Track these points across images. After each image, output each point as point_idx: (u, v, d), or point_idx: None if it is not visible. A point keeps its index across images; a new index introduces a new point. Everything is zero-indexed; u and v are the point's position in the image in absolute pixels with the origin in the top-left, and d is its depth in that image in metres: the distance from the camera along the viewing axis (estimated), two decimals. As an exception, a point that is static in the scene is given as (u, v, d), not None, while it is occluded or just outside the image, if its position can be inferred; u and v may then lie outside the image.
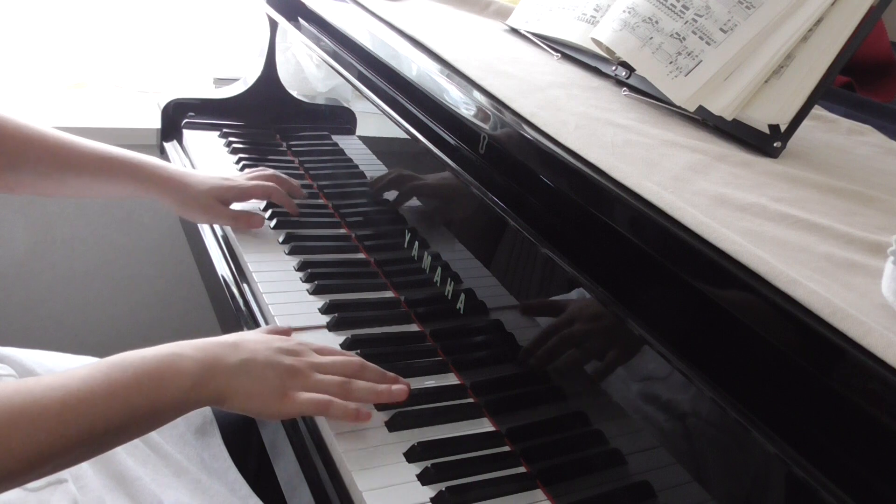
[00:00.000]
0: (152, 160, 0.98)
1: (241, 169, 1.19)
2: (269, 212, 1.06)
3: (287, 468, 0.72)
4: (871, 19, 0.73)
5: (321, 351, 0.73)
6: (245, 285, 0.93)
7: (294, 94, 1.34)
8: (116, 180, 0.94)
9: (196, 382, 0.64)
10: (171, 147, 1.28)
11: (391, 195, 1.00)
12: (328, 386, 0.69)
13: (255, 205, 1.05)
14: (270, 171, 1.07)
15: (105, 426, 0.59)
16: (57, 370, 0.82)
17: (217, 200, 0.98)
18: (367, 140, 1.11)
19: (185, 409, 0.65)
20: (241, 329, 0.87)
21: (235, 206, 1.02)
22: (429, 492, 0.65)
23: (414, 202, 0.96)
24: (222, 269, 0.98)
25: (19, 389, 0.57)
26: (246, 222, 1.00)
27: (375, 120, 1.04)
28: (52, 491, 0.72)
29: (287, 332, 0.79)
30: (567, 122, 0.69)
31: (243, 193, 1.01)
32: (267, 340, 0.71)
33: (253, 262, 0.95)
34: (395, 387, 0.72)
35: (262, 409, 0.67)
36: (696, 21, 0.80)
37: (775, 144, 0.75)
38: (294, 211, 1.05)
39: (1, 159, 0.87)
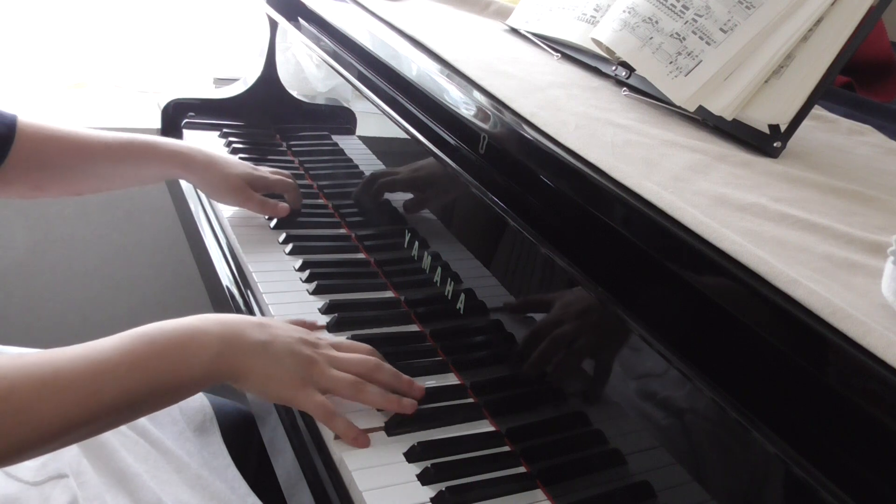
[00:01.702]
0: (175, 141, 0.99)
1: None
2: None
3: (287, 467, 0.72)
4: (871, 19, 0.73)
5: (340, 346, 0.73)
6: (245, 286, 0.93)
7: (294, 94, 1.34)
8: (145, 164, 0.96)
9: (216, 357, 0.64)
10: (171, 147, 1.27)
11: (380, 194, 1.00)
12: (341, 383, 0.69)
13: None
14: (282, 172, 1.09)
15: (128, 397, 0.60)
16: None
17: (245, 184, 1.00)
18: (367, 140, 1.11)
19: (206, 382, 0.65)
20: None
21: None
22: (429, 492, 0.65)
23: (403, 197, 0.96)
24: (222, 269, 0.98)
25: (47, 360, 0.58)
26: (273, 209, 1.02)
27: (375, 120, 1.04)
28: (52, 486, 0.72)
29: (312, 326, 0.81)
30: (567, 122, 0.69)
31: (269, 185, 1.03)
32: (290, 329, 0.71)
33: (253, 263, 0.95)
34: (405, 399, 0.71)
35: (275, 393, 0.68)
36: (696, 21, 0.80)
37: (775, 144, 0.75)
38: (297, 206, 1.07)
39: (27, 160, 0.88)
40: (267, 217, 1.05)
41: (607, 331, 0.64)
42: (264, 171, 1.05)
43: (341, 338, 0.76)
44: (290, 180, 1.07)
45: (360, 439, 0.68)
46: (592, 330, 0.66)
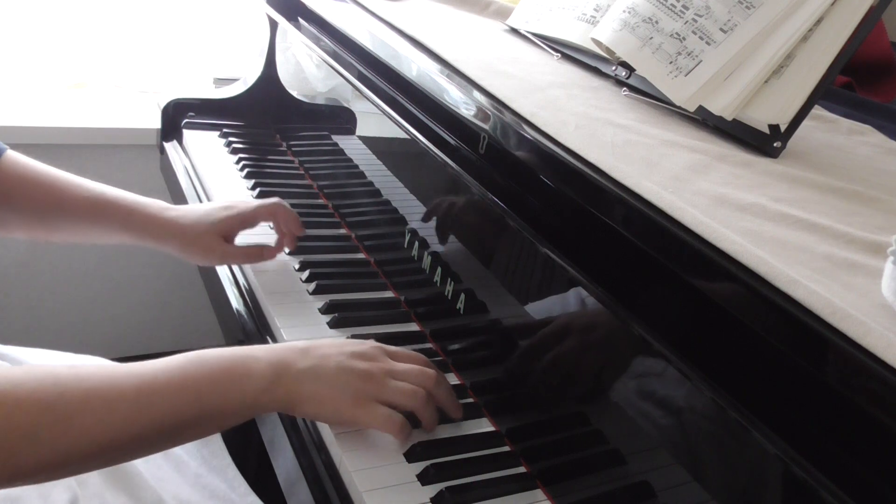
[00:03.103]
0: (151, 203, 0.90)
1: (241, 169, 1.19)
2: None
3: (287, 468, 0.72)
4: (871, 19, 0.73)
5: (396, 355, 0.71)
6: (245, 285, 0.93)
7: (294, 94, 1.34)
8: (111, 228, 0.89)
9: (267, 386, 0.63)
10: (170, 147, 1.28)
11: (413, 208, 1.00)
12: (403, 396, 0.67)
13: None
14: (274, 199, 0.96)
15: (175, 419, 0.59)
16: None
17: (219, 238, 0.90)
18: (367, 140, 1.11)
19: (255, 411, 0.64)
20: (242, 329, 0.87)
21: (240, 239, 0.93)
22: (429, 492, 0.65)
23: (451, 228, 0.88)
24: (222, 269, 0.98)
25: (98, 372, 0.57)
26: (257, 255, 0.92)
27: (375, 120, 1.04)
28: (53, 484, 0.72)
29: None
30: (567, 122, 0.69)
31: (248, 218, 0.91)
32: (341, 344, 0.70)
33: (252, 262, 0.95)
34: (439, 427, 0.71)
35: (334, 415, 0.66)
36: (696, 21, 0.80)
37: (775, 144, 0.75)
38: (300, 232, 0.95)
39: None
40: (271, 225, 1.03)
41: (607, 331, 0.64)
42: (241, 204, 0.92)
43: (394, 347, 0.73)
44: (271, 202, 0.93)
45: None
46: (592, 330, 0.66)
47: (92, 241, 0.93)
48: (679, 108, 0.80)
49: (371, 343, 0.72)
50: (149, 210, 0.90)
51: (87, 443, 0.55)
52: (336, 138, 1.19)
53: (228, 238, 0.91)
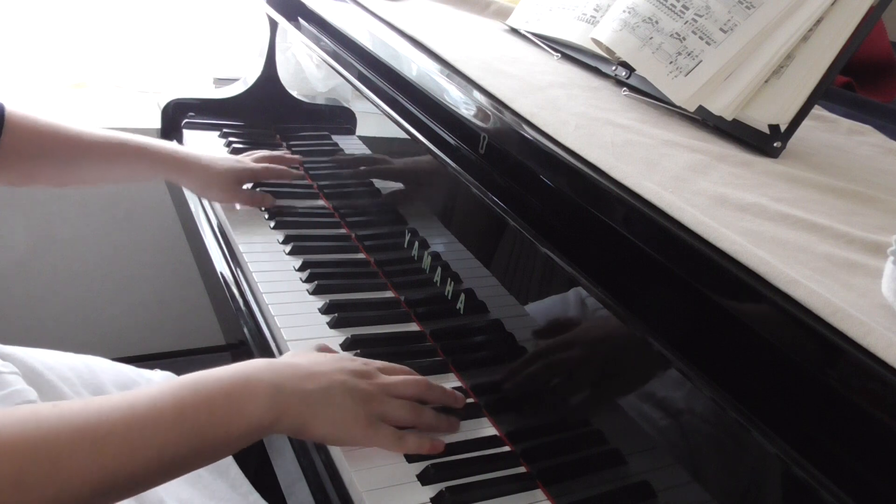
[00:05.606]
0: (164, 143, 1.04)
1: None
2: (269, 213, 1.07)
3: (287, 468, 0.72)
4: (871, 19, 0.73)
5: (386, 369, 0.71)
6: (245, 285, 0.93)
7: (294, 94, 1.34)
8: (134, 165, 0.99)
9: (270, 407, 0.60)
10: (171, 147, 1.28)
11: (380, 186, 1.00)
12: (402, 411, 0.68)
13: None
14: (267, 153, 1.15)
15: (174, 450, 0.55)
16: (59, 368, 0.82)
17: (236, 182, 1.06)
18: (367, 140, 1.11)
19: (261, 434, 0.61)
20: (242, 329, 0.87)
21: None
22: (429, 492, 0.65)
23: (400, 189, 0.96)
24: (222, 268, 0.98)
25: (85, 408, 0.54)
26: (260, 201, 1.08)
27: (375, 120, 1.04)
28: None
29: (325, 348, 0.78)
30: (567, 122, 0.69)
31: (256, 175, 1.10)
32: (338, 361, 0.68)
33: (253, 262, 0.95)
34: (452, 419, 0.72)
35: (344, 437, 0.66)
36: (696, 21, 0.81)
37: (775, 144, 0.75)
38: (290, 176, 1.15)
39: (21, 152, 0.91)
40: (266, 217, 1.05)
41: (607, 331, 0.64)
42: (248, 162, 1.11)
43: (380, 361, 0.73)
44: (273, 166, 1.12)
45: (436, 446, 0.68)
46: (592, 330, 0.66)
47: (116, 181, 1.10)
48: (679, 108, 0.80)
49: (362, 360, 0.71)
50: (168, 147, 1.03)
51: (77, 486, 0.51)
52: (336, 138, 1.19)
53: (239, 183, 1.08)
